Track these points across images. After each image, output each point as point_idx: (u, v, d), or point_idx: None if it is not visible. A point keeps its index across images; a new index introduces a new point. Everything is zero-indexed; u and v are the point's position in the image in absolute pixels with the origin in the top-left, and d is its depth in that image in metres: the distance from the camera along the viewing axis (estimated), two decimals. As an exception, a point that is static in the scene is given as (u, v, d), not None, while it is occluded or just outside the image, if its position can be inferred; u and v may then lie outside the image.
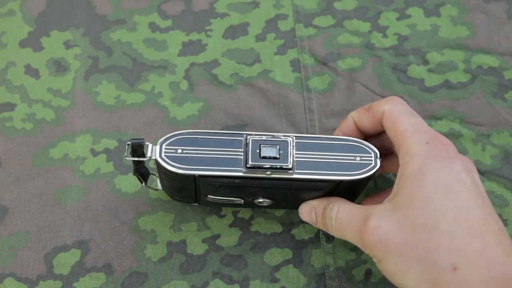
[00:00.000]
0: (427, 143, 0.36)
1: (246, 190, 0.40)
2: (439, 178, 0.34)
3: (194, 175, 0.38)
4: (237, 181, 0.38)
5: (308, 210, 0.41)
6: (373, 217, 0.35)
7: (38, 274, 0.45)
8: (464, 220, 0.33)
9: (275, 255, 0.46)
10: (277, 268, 0.45)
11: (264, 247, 0.46)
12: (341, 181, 0.38)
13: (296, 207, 0.43)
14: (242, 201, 0.43)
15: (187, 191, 0.42)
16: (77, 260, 0.46)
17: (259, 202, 0.43)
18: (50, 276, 0.45)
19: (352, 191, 0.42)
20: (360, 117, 0.41)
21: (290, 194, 0.41)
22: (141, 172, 0.43)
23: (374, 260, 0.37)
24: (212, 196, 0.42)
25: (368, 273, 0.45)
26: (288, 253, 0.46)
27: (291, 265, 0.45)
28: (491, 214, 0.34)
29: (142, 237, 0.47)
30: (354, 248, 0.46)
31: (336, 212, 0.38)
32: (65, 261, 0.46)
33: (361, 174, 0.38)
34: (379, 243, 0.35)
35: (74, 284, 0.45)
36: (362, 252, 0.45)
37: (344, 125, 0.42)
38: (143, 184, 0.44)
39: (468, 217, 0.34)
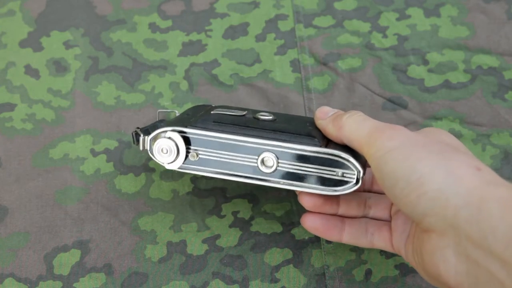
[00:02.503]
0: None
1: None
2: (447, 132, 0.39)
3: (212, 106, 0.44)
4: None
5: (331, 109, 0.40)
6: (395, 126, 0.36)
7: (38, 275, 0.45)
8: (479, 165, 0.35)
9: (275, 255, 0.46)
10: (277, 268, 0.45)
11: (264, 247, 0.46)
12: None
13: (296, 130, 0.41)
14: (245, 112, 0.42)
15: (192, 114, 0.43)
16: (77, 260, 0.46)
17: (262, 115, 0.42)
18: (50, 276, 0.45)
19: None
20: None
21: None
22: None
23: (379, 152, 0.34)
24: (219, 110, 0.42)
25: (368, 273, 0.45)
26: (288, 253, 0.46)
27: (291, 265, 0.45)
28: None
29: (142, 238, 0.47)
30: (354, 248, 0.46)
31: (361, 113, 0.38)
32: (65, 262, 0.46)
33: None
34: (402, 134, 0.35)
35: (74, 285, 0.45)
36: (362, 252, 0.45)
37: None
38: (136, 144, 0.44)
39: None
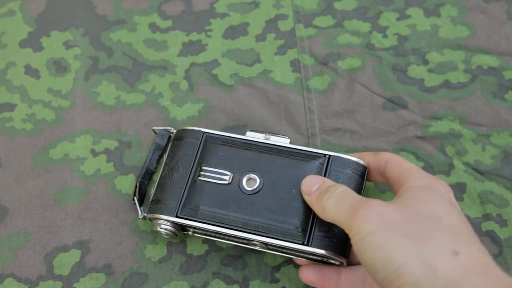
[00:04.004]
0: (429, 176, 0.38)
1: (242, 155, 0.43)
2: (442, 192, 0.36)
3: (203, 132, 0.45)
4: (237, 142, 0.44)
5: (316, 180, 0.40)
6: (376, 200, 0.36)
7: (38, 275, 0.45)
8: (467, 225, 0.35)
9: (275, 256, 0.46)
10: (277, 268, 0.45)
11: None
12: (329, 157, 0.43)
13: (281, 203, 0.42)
14: (229, 179, 0.43)
15: (180, 175, 0.44)
16: (77, 260, 0.46)
17: (248, 182, 0.43)
18: (50, 276, 0.45)
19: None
20: (365, 156, 0.43)
21: (281, 170, 0.43)
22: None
23: (356, 236, 0.34)
24: (206, 168, 0.43)
25: (368, 273, 0.45)
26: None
27: (291, 265, 0.45)
28: None
29: (142, 238, 0.47)
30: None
31: (341, 189, 0.38)
32: (65, 262, 0.46)
33: None
34: (376, 215, 0.34)
35: (74, 285, 0.45)
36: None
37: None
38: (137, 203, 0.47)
39: (468, 224, 0.35)
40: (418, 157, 0.49)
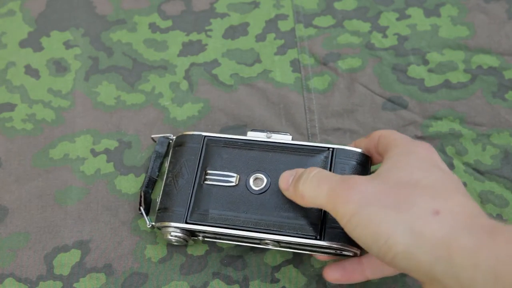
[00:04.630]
0: (412, 140, 0.39)
1: (246, 156, 0.43)
2: (422, 157, 0.36)
3: (204, 136, 0.44)
4: (239, 143, 0.44)
5: (289, 173, 0.40)
6: (354, 177, 0.36)
7: (38, 275, 0.45)
8: (448, 181, 0.35)
9: (275, 256, 0.46)
10: (277, 268, 0.45)
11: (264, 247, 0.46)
12: (333, 150, 0.43)
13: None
14: (236, 180, 0.43)
15: (185, 181, 0.43)
16: (77, 260, 0.46)
17: (255, 181, 0.43)
18: (50, 276, 0.45)
19: None
20: (359, 143, 0.43)
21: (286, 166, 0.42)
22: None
23: (343, 219, 0.35)
24: (211, 172, 0.43)
25: (368, 273, 0.45)
26: (288, 254, 0.46)
27: (291, 265, 0.45)
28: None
29: (142, 238, 0.47)
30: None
31: (316, 172, 0.38)
32: (65, 262, 0.46)
33: None
34: (357, 194, 0.34)
35: (74, 285, 0.45)
36: (362, 253, 0.45)
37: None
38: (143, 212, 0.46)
39: (449, 183, 0.35)
40: (418, 157, 0.49)
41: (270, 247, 0.43)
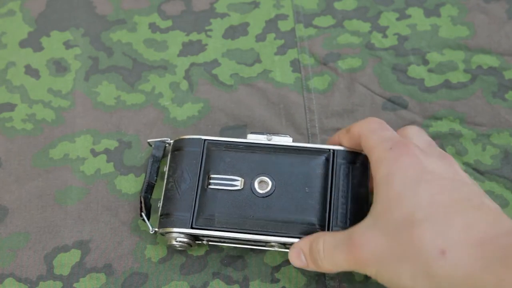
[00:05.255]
0: (390, 148, 0.37)
1: (249, 159, 0.43)
2: (407, 175, 0.35)
3: (204, 140, 0.44)
4: (241, 146, 0.43)
5: (296, 253, 0.40)
6: (357, 235, 0.36)
7: (38, 275, 0.45)
8: (441, 203, 0.34)
9: (275, 256, 0.46)
10: (277, 268, 0.45)
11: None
12: (334, 152, 0.43)
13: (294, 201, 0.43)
14: (241, 184, 0.42)
15: (188, 186, 0.43)
16: (77, 260, 0.46)
17: (260, 185, 0.42)
18: (50, 276, 0.45)
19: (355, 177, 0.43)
20: (342, 138, 0.43)
21: (289, 168, 0.42)
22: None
23: (373, 277, 0.36)
24: (214, 176, 0.43)
25: (368, 273, 0.45)
26: (288, 254, 0.46)
27: (291, 265, 0.45)
28: (474, 191, 0.35)
29: (142, 238, 0.47)
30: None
31: (323, 244, 0.38)
32: (65, 262, 0.46)
33: None
34: (371, 257, 0.35)
35: (74, 285, 0.45)
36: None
37: (332, 141, 0.44)
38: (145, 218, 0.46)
39: (444, 199, 0.34)
40: (418, 157, 0.49)
41: (275, 248, 0.43)
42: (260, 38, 0.56)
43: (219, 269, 0.45)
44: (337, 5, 0.58)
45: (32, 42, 0.57)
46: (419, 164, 0.35)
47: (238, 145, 0.44)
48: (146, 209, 0.46)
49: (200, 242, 0.44)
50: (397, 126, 0.51)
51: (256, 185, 0.42)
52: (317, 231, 0.40)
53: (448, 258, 0.32)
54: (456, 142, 0.50)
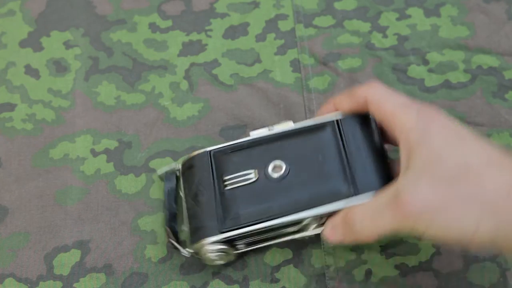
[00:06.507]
0: (417, 114, 0.37)
1: (257, 152, 0.43)
2: (444, 134, 0.36)
3: (208, 151, 0.43)
4: (245, 144, 0.43)
5: (331, 229, 0.40)
6: (405, 192, 0.35)
7: (38, 275, 0.45)
8: (491, 155, 0.35)
9: (275, 255, 0.46)
10: (277, 268, 0.45)
11: (264, 247, 0.46)
12: (338, 121, 0.42)
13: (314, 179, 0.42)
14: (255, 174, 0.42)
15: (206, 197, 0.42)
16: (77, 260, 0.46)
17: (274, 169, 0.42)
18: (50, 276, 0.45)
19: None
20: (341, 103, 0.43)
21: (300, 149, 0.42)
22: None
23: (419, 234, 0.35)
24: (228, 177, 0.42)
25: (368, 273, 0.45)
26: (288, 253, 0.46)
27: (291, 265, 0.45)
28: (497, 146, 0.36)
29: (142, 238, 0.47)
30: (354, 248, 0.46)
31: (361, 212, 0.37)
32: (65, 262, 0.46)
33: None
34: (424, 208, 0.34)
35: (74, 285, 0.45)
36: (362, 252, 0.45)
37: (326, 110, 0.44)
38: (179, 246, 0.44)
39: (491, 151, 0.35)
40: (418, 157, 0.49)
41: (310, 232, 0.41)
42: (260, 38, 0.56)
43: (219, 269, 0.45)
44: (337, 5, 0.58)
45: (32, 42, 0.57)
46: (451, 122, 0.37)
47: (243, 144, 0.43)
48: (175, 236, 0.45)
49: (237, 248, 0.43)
50: (397, 126, 0.51)
51: (270, 171, 0.42)
52: (344, 190, 0.40)
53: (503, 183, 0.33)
54: (456, 142, 0.50)
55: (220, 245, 0.41)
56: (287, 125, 0.44)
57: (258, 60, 0.55)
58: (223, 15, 0.58)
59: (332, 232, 0.40)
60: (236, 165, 0.43)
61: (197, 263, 0.45)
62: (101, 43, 0.56)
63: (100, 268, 0.45)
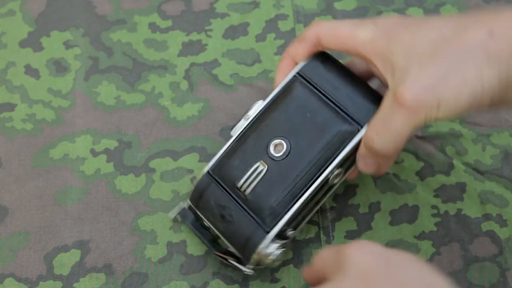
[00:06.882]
0: (375, 25, 0.38)
1: (248, 145, 0.42)
2: (408, 26, 0.37)
3: (207, 172, 0.42)
4: (235, 146, 0.42)
5: (362, 162, 0.40)
6: (398, 87, 0.35)
7: (38, 275, 0.45)
8: (458, 21, 0.36)
9: (275, 256, 0.46)
10: (277, 268, 0.45)
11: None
12: (299, 73, 0.42)
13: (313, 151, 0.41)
14: (263, 164, 0.41)
15: (233, 211, 0.42)
16: (77, 260, 0.46)
17: (276, 150, 0.41)
18: (50, 276, 0.45)
19: None
20: (296, 51, 0.42)
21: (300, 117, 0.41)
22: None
23: (435, 116, 0.35)
24: (241, 183, 0.41)
25: (368, 273, 0.45)
26: (288, 253, 0.46)
27: (291, 265, 0.45)
28: None
29: (142, 238, 0.47)
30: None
31: (371, 131, 0.37)
32: (65, 262, 0.46)
33: None
34: (424, 90, 0.35)
35: (74, 285, 0.45)
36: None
37: (284, 66, 0.43)
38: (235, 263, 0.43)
39: (455, 21, 0.36)
40: (418, 157, 0.49)
41: (339, 179, 0.41)
42: (260, 38, 0.56)
43: (219, 269, 0.45)
44: (337, 5, 0.58)
45: (32, 42, 0.57)
46: (406, 19, 0.38)
47: (233, 146, 0.43)
48: (229, 255, 0.43)
49: (289, 237, 0.42)
50: (397, 126, 0.51)
51: (274, 153, 0.41)
52: (349, 126, 0.40)
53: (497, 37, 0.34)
54: (456, 142, 0.50)
55: (274, 243, 0.40)
56: (259, 105, 0.43)
57: (258, 60, 0.55)
58: (223, 15, 0.58)
59: (365, 164, 0.40)
60: (239, 167, 0.42)
61: (197, 263, 0.45)
62: (101, 43, 0.56)
63: (100, 268, 0.45)
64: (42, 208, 0.48)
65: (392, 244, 0.45)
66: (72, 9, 0.59)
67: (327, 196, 0.43)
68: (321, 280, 0.32)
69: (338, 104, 0.40)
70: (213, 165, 0.43)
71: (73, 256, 0.46)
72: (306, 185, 0.40)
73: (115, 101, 0.53)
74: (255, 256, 0.41)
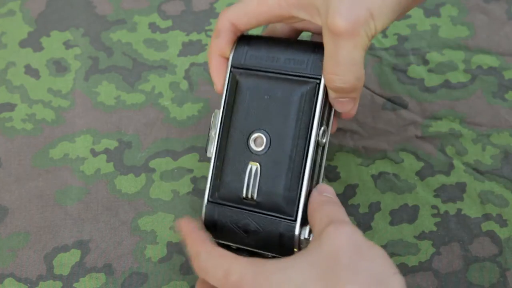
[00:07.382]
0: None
1: (230, 154, 0.41)
2: None
3: (207, 201, 0.41)
4: (217, 162, 0.41)
5: (337, 103, 0.39)
6: (328, 17, 0.34)
7: (38, 275, 0.45)
8: None
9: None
10: (277, 268, 0.45)
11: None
12: (233, 66, 0.41)
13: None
14: (255, 164, 0.40)
15: (252, 222, 0.41)
16: (77, 260, 0.46)
17: (258, 144, 0.40)
18: (50, 276, 0.45)
19: None
20: (219, 47, 0.42)
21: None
22: None
23: (376, 29, 0.34)
24: (244, 194, 0.40)
25: (368, 273, 0.45)
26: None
27: (291, 265, 0.45)
28: None
29: (142, 238, 0.47)
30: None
31: (326, 66, 0.37)
32: (65, 262, 0.46)
33: None
34: (355, 12, 0.34)
35: (74, 285, 0.45)
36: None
37: (216, 65, 0.43)
38: None
39: None
40: (418, 157, 0.49)
41: (326, 136, 0.41)
42: (260, 38, 0.56)
43: (219, 269, 0.45)
44: (337, 5, 0.58)
45: (32, 42, 0.57)
46: None
47: (217, 167, 0.41)
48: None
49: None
50: (397, 126, 0.51)
51: (259, 149, 0.40)
52: (312, 84, 0.39)
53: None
54: (456, 142, 0.50)
55: (306, 226, 0.39)
56: (218, 115, 0.42)
57: (258, 60, 0.55)
58: (223, 15, 0.58)
59: (341, 105, 0.39)
60: (234, 180, 0.41)
61: (197, 263, 0.45)
62: (101, 43, 0.56)
63: (100, 268, 0.45)
64: (42, 208, 0.48)
65: (392, 244, 0.45)
66: (72, 9, 0.59)
67: (324, 157, 0.42)
68: None
69: (286, 72, 0.40)
70: (209, 192, 0.41)
71: (73, 256, 0.46)
72: (302, 160, 0.39)
73: (115, 101, 0.53)
74: (296, 250, 0.39)
